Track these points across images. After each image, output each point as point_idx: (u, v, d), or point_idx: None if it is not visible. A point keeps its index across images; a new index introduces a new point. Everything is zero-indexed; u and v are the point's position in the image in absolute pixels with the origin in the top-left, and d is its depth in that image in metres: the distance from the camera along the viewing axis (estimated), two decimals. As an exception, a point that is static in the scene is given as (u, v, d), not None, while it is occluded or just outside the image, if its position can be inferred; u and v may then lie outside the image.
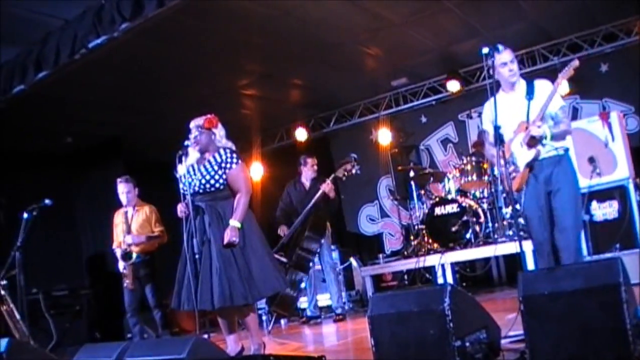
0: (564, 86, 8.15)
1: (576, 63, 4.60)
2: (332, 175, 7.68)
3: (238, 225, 4.80)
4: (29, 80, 6.63)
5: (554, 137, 4.58)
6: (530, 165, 4.69)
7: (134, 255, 6.92)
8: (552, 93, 4.56)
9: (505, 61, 4.70)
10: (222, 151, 4.96)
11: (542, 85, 4.74)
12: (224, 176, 4.88)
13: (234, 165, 4.91)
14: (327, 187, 7.58)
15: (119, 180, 7.15)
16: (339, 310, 7.90)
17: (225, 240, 4.74)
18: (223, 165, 4.89)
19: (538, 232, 4.77)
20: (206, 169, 4.91)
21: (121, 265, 6.96)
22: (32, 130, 9.11)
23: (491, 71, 4.71)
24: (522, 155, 4.71)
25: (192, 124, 5.04)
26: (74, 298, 8.87)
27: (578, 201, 4.83)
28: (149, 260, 7.05)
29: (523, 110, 4.68)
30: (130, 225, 7.07)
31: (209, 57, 7.83)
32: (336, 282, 8.04)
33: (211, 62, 7.99)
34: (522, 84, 4.80)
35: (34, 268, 7.43)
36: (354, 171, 7.67)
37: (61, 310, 8.50)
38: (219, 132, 5.06)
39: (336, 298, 7.97)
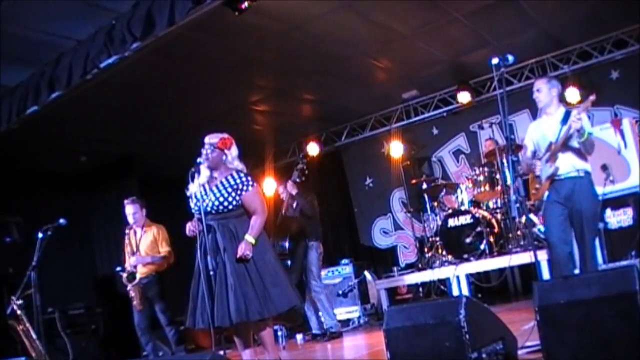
0: (575, 95, 8.17)
1: (593, 97, 5.00)
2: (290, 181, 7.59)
3: (252, 241, 4.81)
4: (42, 101, 6.67)
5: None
6: (550, 178, 5.20)
7: (138, 277, 6.93)
8: (568, 127, 5.05)
9: (533, 90, 5.36)
10: (235, 174, 4.97)
11: (574, 115, 5.14)
12: (237, 198, 4.89)
13: (250, 188, 4.93)
14: (282, 193, 7.68)
15: (126, 201, 7.21)
16: (332, 329, 7.57)
17: (239, 254, 4.73)
18: (239, 187, 4.90)
19: (556, 238, 5.20)
20: (219, 191, 4.90)
21: (128, 286, 6.97)
22: (47, 150, 9.21)
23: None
24: (545, 170, 5.24)
25: (207, 140, 5.05)
26: (89, 317, 8.87)
27: (597, 221, 5.60)
28: (158, 279, 7.05)
29: (555, 133, 5.17)
30: (139, 245, 7.09)
31: (220, 74, 7.88)
32: (327, 299, 7.72)
33: (223, 79, 8.04)
34: (560, 111, 5.26)
35: (49, 287, 7.45)
36: (302, 166, 7.55)
37: (77, 329, 8.51)
38: (232, 153, 5.06)
39: (323, 315, 7.63)
